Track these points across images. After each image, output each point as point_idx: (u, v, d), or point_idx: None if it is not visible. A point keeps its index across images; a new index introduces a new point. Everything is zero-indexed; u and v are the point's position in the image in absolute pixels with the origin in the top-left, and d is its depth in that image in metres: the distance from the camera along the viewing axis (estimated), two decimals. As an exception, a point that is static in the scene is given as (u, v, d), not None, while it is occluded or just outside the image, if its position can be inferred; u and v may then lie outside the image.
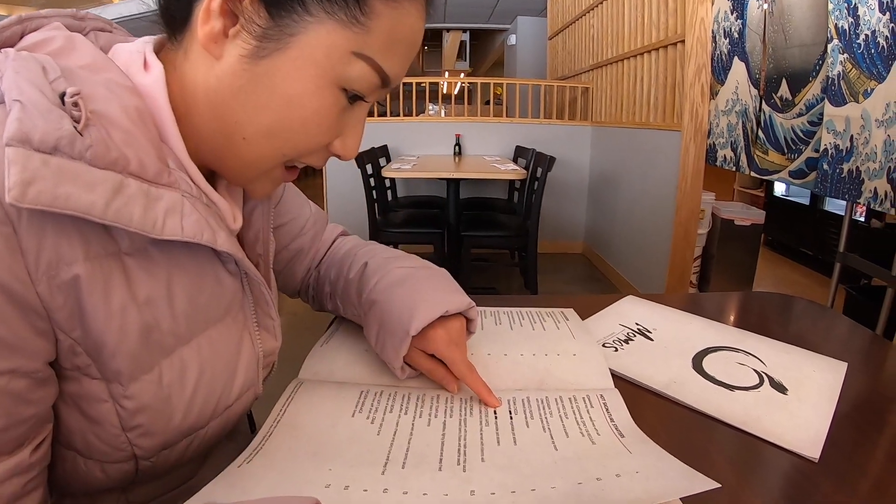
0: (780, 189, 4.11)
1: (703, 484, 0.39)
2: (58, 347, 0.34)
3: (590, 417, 0.50)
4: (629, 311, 0.79)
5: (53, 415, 0.36)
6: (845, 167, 1.65)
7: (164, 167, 0.37)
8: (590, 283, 3.41)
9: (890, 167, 1.46)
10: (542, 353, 0.62)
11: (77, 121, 0.32)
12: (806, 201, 3.69)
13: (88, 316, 0.34)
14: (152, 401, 0.38)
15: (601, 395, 0.54)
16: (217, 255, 0.42)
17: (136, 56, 0.40)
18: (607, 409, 0.51)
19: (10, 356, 0.31)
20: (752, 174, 2.19)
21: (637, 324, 0.74)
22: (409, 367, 0.56)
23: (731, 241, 2.64)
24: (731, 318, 0.80)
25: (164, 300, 0.38)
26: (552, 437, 0.47)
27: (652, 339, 0.69)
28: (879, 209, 1.50)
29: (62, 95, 0.32)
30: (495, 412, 0.51)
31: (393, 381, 0.57)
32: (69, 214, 0.30)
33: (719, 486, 0.38)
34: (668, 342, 0.68)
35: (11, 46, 0.37)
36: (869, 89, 1.53)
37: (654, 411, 0.54)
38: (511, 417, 0.50)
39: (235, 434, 0.57)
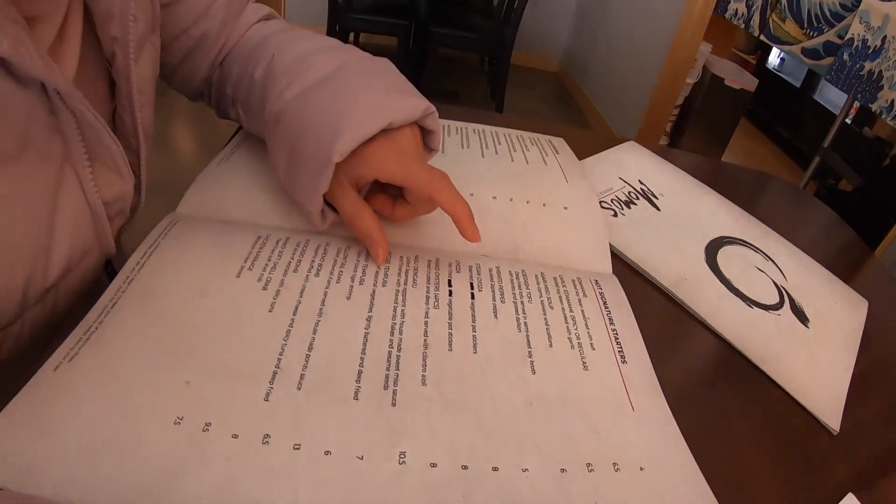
0: (773, 62, 3.78)
1: None
2: None
3: (582, 314, 0.35)
4: (632, 162, 0.61)
5: None
6: (867, 66, 1.49)
7: None
8: (559, 106, 3.12)
9: (918, 87, 1.35)
10: (521, 200, 0.44)
11: None
12: (797, 83, 3.42)
13: None
14: None
15: (596, 282, 0.39)
16: None
17: None
18: (605, 306, 0.37)
19: None
20: (762, 38, 1.92)
21: (641, 182, 0.58)
22: (333, 212, 0.37)
23: (716, 101, 2.43)
24: (736, 197, 0.65)
25: None
26: (529, 344, 0.32)
27: (658, 209, 0.54)
28: (891, 122, 1.40)
29: None
30: (450, 283, 0.35)
31: (306, 225, 0.38)
32: None
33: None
34: (677, 217, 0.53)
35: None
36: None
37: (654, 314, 0.40)
38: (472, 295, 0.34)
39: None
